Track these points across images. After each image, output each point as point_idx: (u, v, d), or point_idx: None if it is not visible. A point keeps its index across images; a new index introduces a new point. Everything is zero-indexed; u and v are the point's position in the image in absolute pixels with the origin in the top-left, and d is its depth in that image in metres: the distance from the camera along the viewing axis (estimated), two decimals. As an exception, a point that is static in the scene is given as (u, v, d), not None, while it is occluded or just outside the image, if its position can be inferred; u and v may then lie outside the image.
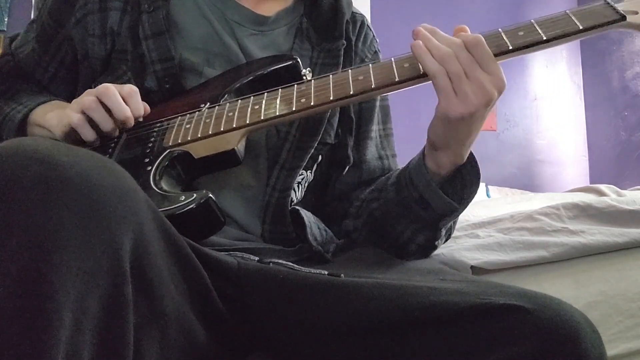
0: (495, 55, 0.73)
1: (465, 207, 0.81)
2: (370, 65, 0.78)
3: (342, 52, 0.93)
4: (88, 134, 0.81)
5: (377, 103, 0.99)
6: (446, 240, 0.90)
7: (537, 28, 0.73)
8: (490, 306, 0.61)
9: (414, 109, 2.96)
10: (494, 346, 0.59)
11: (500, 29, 0.75)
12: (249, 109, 0.80)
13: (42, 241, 0.46)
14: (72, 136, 0.82)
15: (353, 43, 0.97)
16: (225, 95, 0.85)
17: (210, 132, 0.79)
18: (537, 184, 3.25)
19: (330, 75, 0.80)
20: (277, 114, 0.78)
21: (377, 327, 0.65)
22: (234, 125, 0.79)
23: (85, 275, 0.47)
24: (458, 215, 0.83)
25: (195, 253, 0.65)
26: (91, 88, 0.90)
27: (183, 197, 0.71)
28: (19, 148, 0.49)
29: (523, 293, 0.63)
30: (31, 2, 2.51)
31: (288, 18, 0.96)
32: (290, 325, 0.70)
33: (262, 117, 0.79)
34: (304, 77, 0.86)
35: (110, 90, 0.79)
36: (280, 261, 0.74)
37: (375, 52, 1.03)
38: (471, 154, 0.80)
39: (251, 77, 0.86)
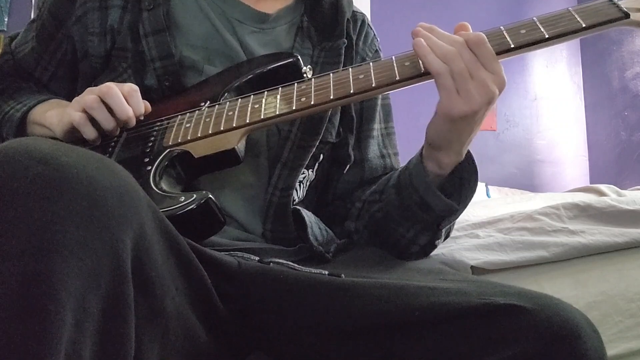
0: (498, 53, 0.72)
1: (465, 206, 0.81)
2: (371, 64, 0.78)
3: (343, 51, 0.93)
4: (90, 133, 0.81)
5: (379, 102, 0.99)
6: (445, 238, 0.90)
7: (540, 26, 0.72)
8: (491, 306, 0.61)
9: (415, 107, 2.96)
10: (495, 346, 0.59)
11: (502, 27, 0.74)
12: (249, 108, 0.80)
13: (43, 241, 0.46)
14: (72, 135, 0.82)
15: (354, 42, 0.97)
16: (225, 94, 0.85)
17: (210, 132, 0.79)
18: (537, 184, 3.24)
19: (331, 74, 0.80)
20: (277, 113, 0.78)
21: (378, 327, 0.65)
22: (234, 125, 0.79)
23: (86, 275, 0.47)
24: (459, 215, 0.82)
25: (195, 253, 0.65)
26: (91, 86, 0.90)
27: (183, 197, 0.71)
28: (20, 148, 0.49)
29: (523, 293, 0.63)
30: (31, 2, 2.51)
31: (289, 16, 0.96)
32: (291, 325, 0.70)
33: (262, 117, 0.78)
34: (305, 75, 0.86)
35: (113, 90, 0.79)
36: (280, 261, 0.74)
37: (376, 50, 1.02)
38: (468, 151, 0.80)
39: (251, 75, 0.86)
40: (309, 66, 0.87)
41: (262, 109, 0.79)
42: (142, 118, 0.84)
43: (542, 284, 1.03)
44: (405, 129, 2.94)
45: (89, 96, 0.80)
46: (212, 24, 0.91)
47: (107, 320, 0.49)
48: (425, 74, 0.74)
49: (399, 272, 0.78)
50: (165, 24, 0.87)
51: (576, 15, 0.71)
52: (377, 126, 0.99)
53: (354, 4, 1.01)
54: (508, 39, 0.73)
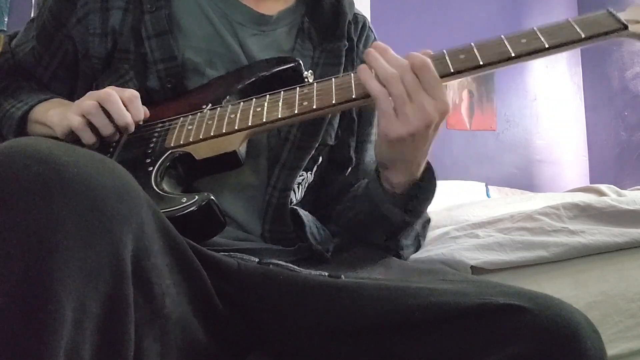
0: (498, 62, 0.73)
1: (420, 217, 0.85)
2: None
3: (344, 53, 0.93)
4: (88, 138, 0.81)
5: None
6: (416, 248, 0.92)
7: (540, 36, 0.73)
8: (491, 306, 0.61)
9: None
10: (494, 346, 0.59)
11: (502, 36, 0.75)
12: (251, 112, 0.80)
13: (43, 241, 0.46)
14: (71, 138, 0.82)
15: (355, 44, 0.97)
16: (227, 97, 0.85)
17: (212, 134, 0.79)
18: (537, 184, 3.25)
19: (333, 79, 0.80)
20: (279, 116, 0.78)
21: (378, 328, 0.65)
22: (236, 128, 0.79)
23: (86, 275, 0.47)
24: (416, 225, 0.85)
25: (195, 253, 0.65)
26: (92, 87, 0.90)
27: (184, 198, 0.71)
28: (20, 148, 0.49)
29: (523, 293, 0.63)
30: (31, 2, 2.51)
31: (289, 18, 0.96)
32: (290, 326, 0.70)
33: (264, 120, 0.79)
34: (306, 80, 0.86)
35: (112, 96, 0.79)
36: (280, 262, 0.74)
37: None
38: (427, 163, 0.81)
39: (253, 79, 0.87)
40: (310, 71, 0.88)
41: (264, 112, 0.79)
42: (141, 123, 0.84)
43: (542, 284, 1.03)
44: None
45: (88, 101, 0.80)
46: (214, 27, 0.91)
47: (107, 320, 0.49)
48: None
49: (399, 272, 0.78)
50: (168, 26, 0.88)
51: (576, 26, 0.72)
52: (374, 130, 0.99)
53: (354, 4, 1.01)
54: (508, 47, 0.73)
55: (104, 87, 0.87)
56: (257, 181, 0.87)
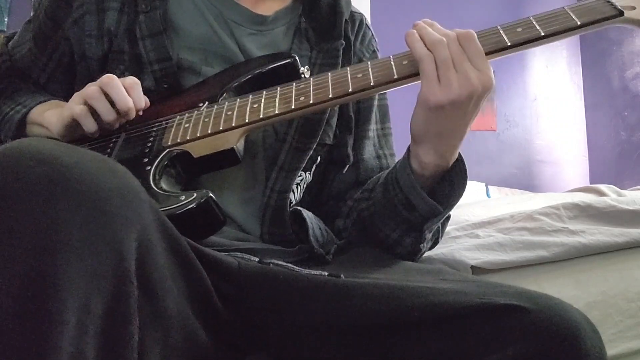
0: (494, 51, 0.73)
1: (450, 209, 0.81)
2: (369, 62, 0.78)
3: (341, 52, 0.93)
4: (90, 125, 0.80)
5: (375, 102, 0.99)
6: (433, 245, 0.90)
7: (535, 24, 0.73)
8: (491, 306, 0.61)
9: (412, 109, 2.97)
10: (494, 346, 0.59)
11: (498, 26, 0.75)
12: (248, 108, 0.80)
13: (46, 242, 0.46)
14: (72, 131, 0.82)
15: (352, 42, 0.96)
16: (224, 94, 0.85)
17: (209, 132, 0.79)
18: (537, 184, 3.25)
19: (329, 74, 0.80)
20: (276, 112, 0.78)
21: (377, 327, 0.65)
22: (233, 125, 0.79)
23: (89, 276, 0.47)
24: (443, 218, 0.82)
25: (195, 253, 0.65)
26: None
27: (183, 196, 0.71)
28: (23, 149, 0.49)
29: (523, 293, 0.63)
30: (31, 2, 2.51)
31: (287, 17, 0.96)
32: (290, 325, 0.69)
33: (261, 116, 0.78)
34: (302, 75, 0.86)
35: (114, 81, 0.79)
36: (280, 262, 0.74)
37: (374, 51, 1.02)
38: (459, 155, 0.80)
39: (249, 76, 0.86)
40: (306, 67, 0.87)
41: (261, 109, 0.79)
42: (140, 113, 0.83)
43: (542, 284, 1.03)
44: (405, 129, 2.95)
45: (90, 87, 0.80)
46: (210, 26, 0.90)
47: (111, 321, 0.49)
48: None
49: (399, 272, 0.78)
50: (162, 27, 0.87)
51: (571, 14, 0.72)
52: (373, 127, 0.99)
53: (354, 4, 1.01)
54: (504, 37, 0.73)
55: None
56: (255, 183, 0.87)
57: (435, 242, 0.89)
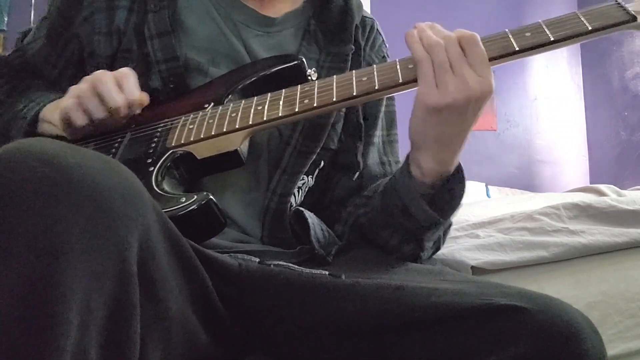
0: (502, 56, 0.72)
1: (449, 219, 0.80)
2: (375, 66, 0.78)
3: (350, 57, 0.93)
4: (79, 119, 0.80)
5: (382, 108, 0.98)
6: (434, 252, 0.88)
7: (545, 29, 0.72)
8: (491, 307, 0.61)
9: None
10: (495, 347, 0.59)
11: (507, 30, 0.74)
12: (252, 110, 0.80)
13: (50, 243, 0.46)
14: (68, 124, 0.82)
15: (362, 47, 0.96)
16: (229, 96, 0.85)
17: (213, 133, 0.79)
18: (537, 184, 3.25)
19: (335, 77, 0.79)
20: (280, 115, 0.78)
21: (378, 328, 0.65)
22: (237, 126, 0.79)
23: (92, 277, 0.47)
24: (443, 228, 0.81)
25: (196, 254, 0.65)
26: None
27: (184, 198, 0.71)
28: (26, 150, 0.49)
29: (524, 293, 0.63)
30: (31, 2, 2.51)
31: (296, 20, 0.96)
32: (291, 325, 0.70)
33: (264, 118, 0.78)
34: (309, 77, 0.85)
35: (105, 77, 0.79)
36: (281, 263, 0.74)
37: (384, 57, 1.01)
38: (458, 164, 0.78)
39: (255, 78, 0.86)
40: (313, 69, 0.87)
41: (265, 111, 0.79)
42: (137, 110, 0.83)
43: (542, 284, 1.03)
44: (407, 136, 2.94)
45: (82, 84, 0.80)
46: (218, 27, 0.91)
47: (113, 322, 0.49)
48: None
49: (400, 272, 0.78)
50: (171, 26, 0.88)
51: (583, 19, 0.71)
52: (378, 133, 0.98)
53: (352, 4, 1.01)
54: (512, 42, 0.72)
55: None
56: (257, 185, 0.87)
57: (436, 249, 0.88)
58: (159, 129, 0.84)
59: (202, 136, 0.80)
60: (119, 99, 0.79)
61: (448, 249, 1.13)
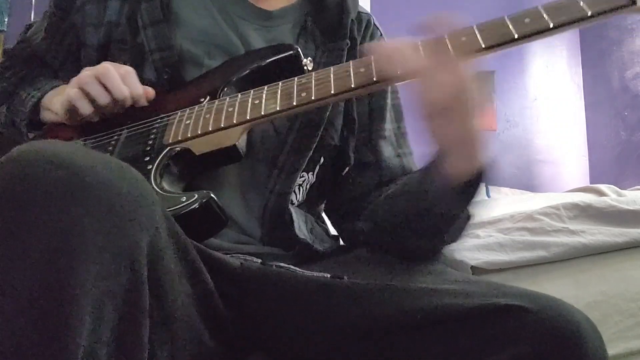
0: (500, 44, 0.71)
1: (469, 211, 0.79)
2: (372, 56, 0.76)
3: (346, 52, 0.93)
4: (85, 107, 0.81)
5: (389, 101, 0.97)
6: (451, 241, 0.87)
7: (544, 15, 0.70)
8: (492, 307, 0.61)
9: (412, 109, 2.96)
10: (496, 347, 0.59)
11: (505, 17, 0.72)
12: (249, 104, 0.79)
13: (62, 245, 0.46)
14: (72, 113, 0.82)
15: (358, 43, 0.95)
16: (225, 89, 0.84)
17: (210, 129, 0.79)
18: (537, 184, 3.24)
19: (332, 68, 0.78)
20: (278, 109, 0.77)
21: (379, 329, 0.65)
22: (234, 121, 0.78)
23: (104, 279, 0.47)
24: (461, 220, 0.80)
25: (199, 254, 0.65)
26: None
27: (185, 197, 0.71)
28: (39, 152, 0.49)
29: (525, 293, 0.63)
30: (31, 2, 2.51)
31: (293, 15, 0.95)
32: (292, 327, 0.70)
33: (262, 113, 0.78)
34: (305, 68, 0.85)
35: (109, 70, 0.80)
36: (282, 264, 0.74)
37: None
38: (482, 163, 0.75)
39: (251, 69, 0.85)
40: (309, 58, 0.86)
41: (263, 105, 0.78)
42: (144, 102, 0.83)
43: (542, 284, 1.03)
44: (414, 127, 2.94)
45: (84, 73, 0.80)
46: (213, 19, 0.90)
47: (124, 324, 0.49)
48: None
49: (401, 274, 0.78)
50: (164, 16, 0.87)
51: (582, 3, 0.69)
52: (389, 126, 0.96)
53: (356, 3, 1.00)
54: (511, 29, 0.71)
55: None
56: (256, 185, 0.87)
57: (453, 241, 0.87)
58: (156, 125, 0.83)
59: (199, 132, 0.79)
60: (125, 90, 0.80)
61: (448, 249, 1.13)
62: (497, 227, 1.23)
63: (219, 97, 0.83)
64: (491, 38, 0.71)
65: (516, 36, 0.70)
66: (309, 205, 0.92)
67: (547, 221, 1.18)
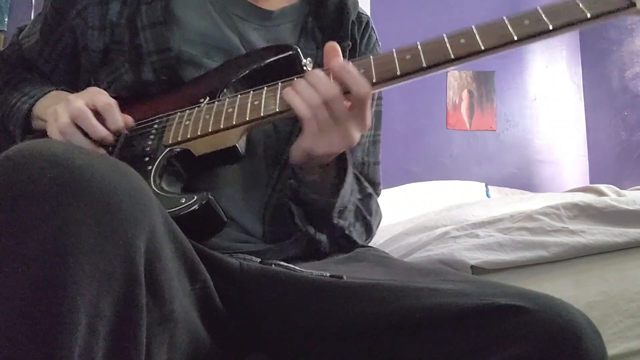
0: (500, 46, 0.71)
1: (342, 197, 0.82)
2: (372, 57, 0.77)
3: (347, 53, 0.93)
4: (79, 142, 0.79)
5: (372, 108, 0.98)
6: (367, 224, 0.91)
7: (544, 16, 0.70)
8: (492, 307, 0.61)
9: (412, 109, 2.96)
10: (496, 347, 0.59)
11: (504, 18, 0.72)
12: (249, 105, 0.79)
13: (58, 244, 0.46)
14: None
15: (357, 43, 0.96)
16: (224, 89, 0.84)
17: (210, 130, 0.79)
18: (536, 184, 3.24)
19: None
20: (277, 110, 0.77)
21: (379, 328, 0.65)
22: (234, 123, 0.78)
23: (100, 278, 0.47)
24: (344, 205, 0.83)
25: (198, 254, 0.65)
26: (91, 81, 0.90)
27: (184, 198, 0.71)
28: (35, 151, 0.49)
29: (524, 293, 0.63)
30: (31, 2, 2.51)
31: (293, 15, 0.96)
32: (292, 326, 0.70)
33: (262, 114, 0.78)
34: (305, 68, 0.85)
35: (83, 113, 0.78)
36: (282, 263, 0.74)
37: None
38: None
39: (250, 70, 0.85)
40: (309, 59, 0.86)
41: (262, 106, 0.78)
42: (126, 131, 0.82)
43: (542, 284, 1.03)
44: (405, 128, 2.94)
45: (62, 119, 0.79)
46: (213, 20, 0.91)
47: (120, 324, 0.49)
48: (427, 68, 0.73)
49: (400, 273, 0.78)
50: (164, 18, 0.87)
51: (581, 5, 0.69)
52: (366, 132, 0.98)
53: (353, 4, 1.01)
54: (511, 31, 0.71)
55: (101, 81, 0.87)
56: (256, 183, 0.87)
57: (366, 222, 0.91)
58: (155, 127, 0.83)
59: (199, 133, 0.79)
60: (101, 131, 0.79)
61: (448, 249, 1.13)
62: (497, 227, 1.23)
63: (219, 98, 0.83)
64: (491, 39, 0.71)
65: (515, 38, 0.70)
66: None
67: (547, 221, 1.18)
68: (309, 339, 0.69)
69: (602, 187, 1.92)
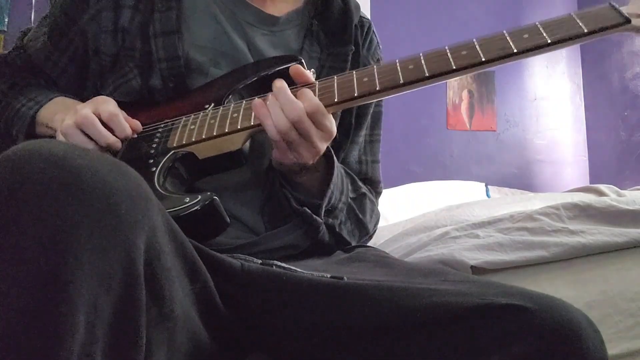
0: (500, 58, 0.73)
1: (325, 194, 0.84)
2: (375, 67, 0.78)
3: (350, 57, 0.94)
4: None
5: (371, 109, 1.00)
6: (359, 223, 0.92)
7: (542, 31, 0.72)
8: (492, 306, 0.61)
9: (412, 109, 2.96)
10: (496, 346, 0.59)
11: (505, 31, 0.74)
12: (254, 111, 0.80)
13: (58, 243, 0.46)
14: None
15: (360, 48, 0.97)
16: (230, 96, 0.85)
17: (214, 134, 0.80)
18: (537, 184, 3.24)
19: (335, 77, 0.80)
20: None
21: (380, 329, 0.65)
22: (239, 127, 0.79)
23: (99, 277, 0.47)
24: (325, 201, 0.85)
25: (199, 254, 0.65)
26: (98, 85, 0.90)
27: (187, 198, 0.72)
28: (35, 151, 0.49)
29: (525, 293, 0.63)
30: (31, 2, 2.51)
31: (298, 19, 0.97)
32: (292, 327, 0.70)
33: None
34: None
35: (88, 120, 0.79)
36: (282, 264, 0.74)
37: (378, 59, 1.03)
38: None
39: (256, 78, 0.87)
40: (312, 69, 0.87)
41: None
42: (135, 136, 0.84)
43: (542, 284, 1.03)
44: (404, 129, 2.94)
45: (67, 122, 0.80)
46: (221, 26, 0.91)
47: (119, 323, 0.49)
48: (431, 77, 0.74)
49: (400, 273, 0.78)
50: (176, 26, 0.88)
51: (578, 21, 0.71)
52: (362, 132, 1.00)
53: (354, 6, 1.02)
54: (511, 43, 0.73)
55: (107, 85, 0.87)
56: (257, 182, 0.88)
57: (357, 219, 0.93)
58: (160, 130, 0.84)
59: (203, 136, 0.80)
60: (107, 137, 0.80)
61: (448, 249, 1.13)
62: (497, 227, 1.23)
63: (224, 104, 0.84)
64: (490, 52, 0.73)
65: (515, 50, 0.72)
66: None
67: (547, 221, 1.18)
68: (309, 340, 0.69)
69: (602, 187, 1.92)
